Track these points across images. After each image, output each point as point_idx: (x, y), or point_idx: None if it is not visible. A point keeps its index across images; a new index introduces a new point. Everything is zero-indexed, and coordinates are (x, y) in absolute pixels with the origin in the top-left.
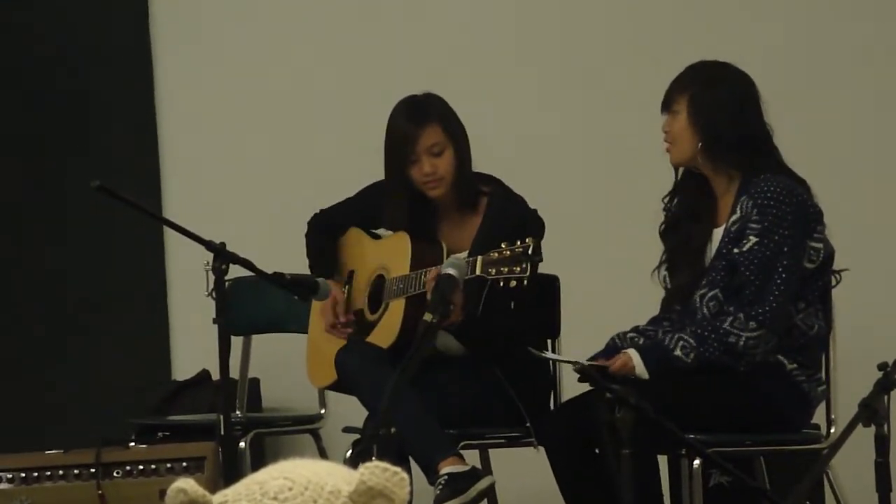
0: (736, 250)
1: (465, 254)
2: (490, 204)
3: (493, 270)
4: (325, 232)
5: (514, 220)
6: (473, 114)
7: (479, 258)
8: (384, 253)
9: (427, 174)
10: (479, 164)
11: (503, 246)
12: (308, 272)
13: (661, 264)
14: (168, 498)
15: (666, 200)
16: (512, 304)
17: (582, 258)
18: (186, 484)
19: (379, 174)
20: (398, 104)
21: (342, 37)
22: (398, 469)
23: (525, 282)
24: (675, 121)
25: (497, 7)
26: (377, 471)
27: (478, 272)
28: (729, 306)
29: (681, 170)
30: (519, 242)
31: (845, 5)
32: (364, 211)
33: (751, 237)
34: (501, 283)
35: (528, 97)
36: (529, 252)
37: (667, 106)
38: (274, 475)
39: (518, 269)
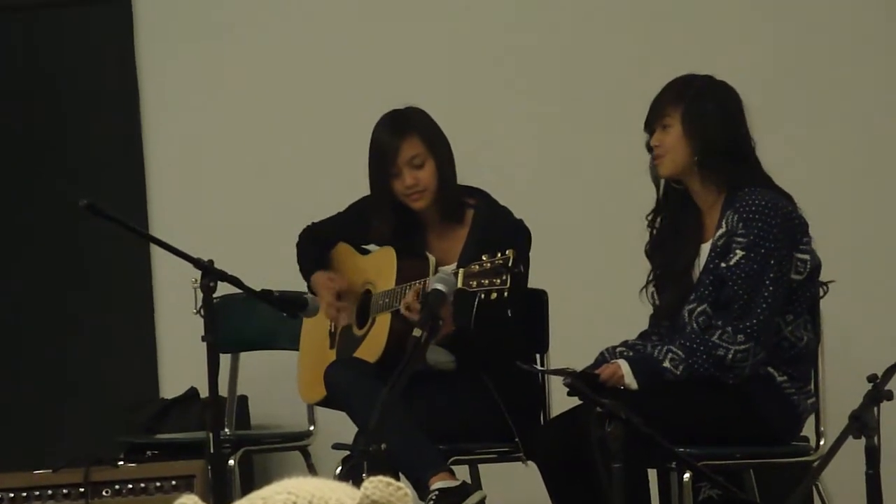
0: (723, 264)
1: (452, 266)
2: (476, 216)
3: (474, 282)
4: (316, 244)
5: (501, 232)
6: (461, 128)
7: (461, 270)
8: (371, 268)
9: (409, 186)
10: (467, 178)
11: (484, 258)
12: (296, 288)
13: (648, 283)
14: None
15: (649, 219)
16: (509, 312)
17: (570, 273)
18: (190, 500)
19: (368, 190)
20: (380, 118)
21: (331, 53)
22: (401, 485)
23: (505, 293)
24: (666, 134)
25: (488, 24)
26: (381, 485)
27: (459, 284)
28: (717, 320)
29: (661, 187)
30: (499, 254)
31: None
32: (354, 226)
33: (737, 251)
34: (483, 296)
35: (517, 111)
36: (509, 264)
37: (655, 121)
38: (278, 490)
39: (498, 280)
